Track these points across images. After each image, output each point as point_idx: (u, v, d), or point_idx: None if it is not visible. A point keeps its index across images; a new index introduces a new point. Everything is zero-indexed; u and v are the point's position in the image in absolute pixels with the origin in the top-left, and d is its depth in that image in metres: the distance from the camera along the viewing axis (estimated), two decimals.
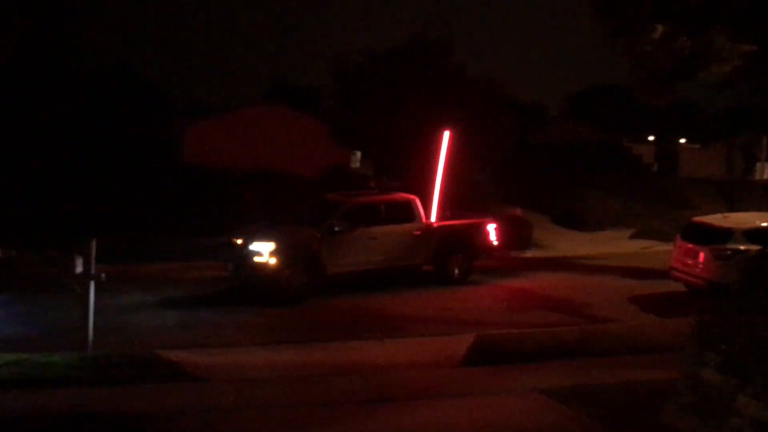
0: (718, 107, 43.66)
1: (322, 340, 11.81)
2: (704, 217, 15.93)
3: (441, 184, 17.12)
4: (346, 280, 15.22)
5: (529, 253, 21.02)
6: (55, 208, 21.72)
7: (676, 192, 30.35)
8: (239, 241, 15.12)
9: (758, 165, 41.50)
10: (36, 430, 7.95)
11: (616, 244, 22.76)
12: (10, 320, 13.14)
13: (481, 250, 17.02)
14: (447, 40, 22.73)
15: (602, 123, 45.21)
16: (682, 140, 48.56)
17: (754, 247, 12.79)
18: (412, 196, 16.51)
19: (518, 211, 23.36)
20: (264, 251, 14.53)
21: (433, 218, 16.69)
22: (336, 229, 15.13)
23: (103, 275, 10.69)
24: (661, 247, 20.27)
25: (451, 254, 16.43)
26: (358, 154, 32.53)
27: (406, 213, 16.15)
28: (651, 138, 48.24)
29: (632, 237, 23.83)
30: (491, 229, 16.99)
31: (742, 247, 13.70)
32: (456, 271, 16.47)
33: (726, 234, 14.11)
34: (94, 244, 10.57)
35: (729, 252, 13.74)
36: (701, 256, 14.19)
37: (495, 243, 17.09)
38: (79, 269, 10.57)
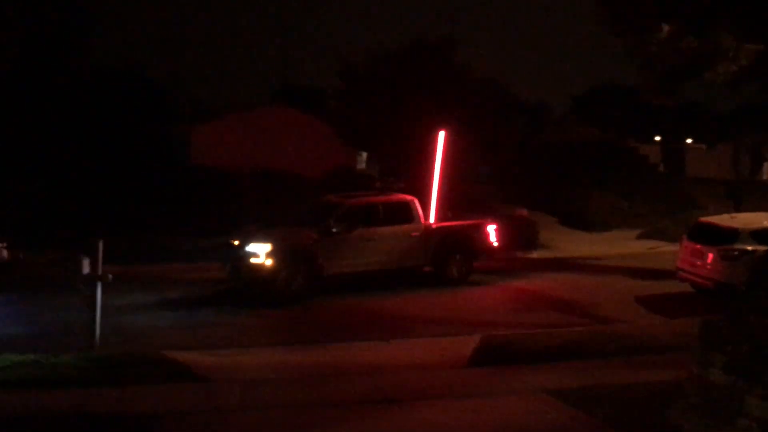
0: (724, 107, 43.57)
1: (326, 341, 11.82)
2: (711, 217, 15.88)
3: (439, 185, 17.03)
4: (344, 282, 15.19)
5: (535, 254, 20.98)
6: (63, 209, 21.80)
7: (683, 192, 30.25)
8: (236, 243, 15.14)
9: (765, 165, 41.36)
10: (43, 430, 7.99)
11: (622, 245, 22.69)
12: (17, 320, 13.20)
13: (481, 251, 16.90)
14: (451, 40, 22.74)
15: (608, 123, 45.12)
16: (689, 140, 48.42)
17: (762, 248, 12.78)
18: (410, 197, 16.44)
19: (524, 212, 23.32)
20: (260, 252, 14.54)
21: (432, 219, 16.61)
22: (333, 230, 15.10)
23: (110, 276, 10.74)
24: (668, 247, 20.20)
25: (450, 255, 16.33)
26: (364, 154, 32.58)
27: (405, 214, 16.08)
28: (657, 138, 48.11)
29: (638, 237, 23.76)
30: (491, 230, 16.88)
31: (749, 248, 13.66)
32: (455, 272, 16.37)
33: (733, 234, 14.06)
34: (101, 245, 10.61)
35: (736, 252, 13.70)
36: (708, 256, 14.14)
37: (495, 244, 16.97)
38: (86, 270, 10.61)
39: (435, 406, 8.59)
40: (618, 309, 14.04)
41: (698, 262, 14.39)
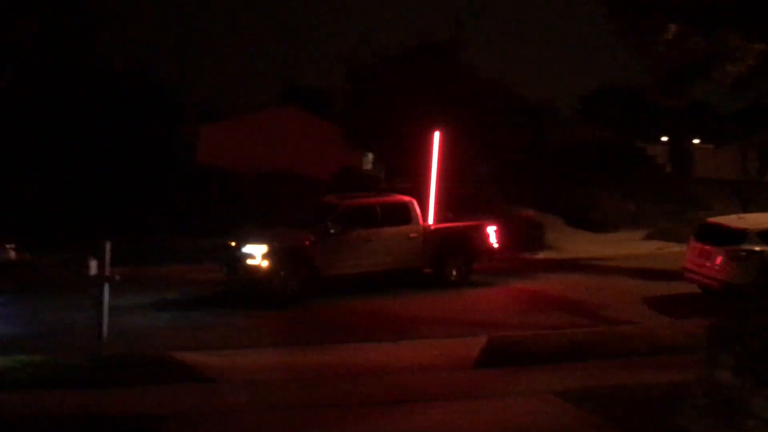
0: (732, 107, 43.37)
1: (331, 342, 11.83)
2: (719, 217, 15.82)
3: (436, 186, 16.89)
4: (342, 283, 15.12)
5: (541, 255, 20.95)
6: (69, 210, 21.88)
7: (690, 193, 30.16)
8: (233, 244, 15.11)
9: None
10: (49, 431, 8.01)
11: (629, 246, 22.64)
12: (24, 321, 13.26)
13: (481, 253, 16.72)
14: (458, 40, 22.70)
15: (615, 124, 45.00)
16: (696, 141, 48.25)
17: None
18: (408, 198, 16.31)
19: (530, 213, 23.29)
20: (256, 254, 14.51)
21: (430, 220, 16.47)
22: (330, 231, 15.03)
23: (117, 277, 10.76)
24: (675, 248, 20.13)
25: (449, 257, 16.18)
26: (370, 155, 32.55)
27: (403, 215, 15.96)
28: (664, 138, 47.94)
29: (646, 238, 23.70)
30: (491, 231, 16.71)
31: (757, 248, 13.61)
32: (454, 273, 16.21)
33: (741, 235, 14.00)
34: (108, 246, 10.64)
35: (744, 253, 13.65)
36: (716, 257, 14.09)
37: (495, 245, 16.80)
38: (93, 271, 10.64)
39: (441, 407, 8.58)
40: (625, 310, 14.00)
41: (705, 263, 14.34)
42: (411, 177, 21.88)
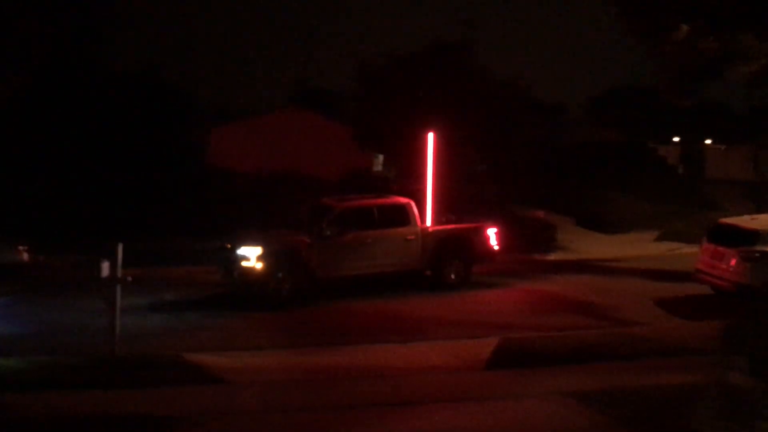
0: (744, 107, 43.11)
1: (336, 343, 11.81)
2: (731, 218, 15.72)
3: (434, 187, 16.70)
4: (340, 285, 15.07)
5: (552, 256, 20.89)
6: (81, 212, 21.99)
7: (702, 193, 30.01)
8: (229, 246, 15.10)
9: None
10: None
11: (641, 247, 22.53)
12: (36, 322, 13.34)
13: (480, 255, 16.48)
14: (470, 42, 22.68)
15: (626, 124, 44.86)
16: (708, 141, 48.01)
17: None
18: (406, 200, 16.16)
19: (541, 213, 23.22)
20: (251, 256, 14.50)
21: (428, 222, 16.31)
22: (325, 233, 14.97)
23: (129, 278, 10.82)
24: (687, 249, 20.03)
25: (448, 259, 16.00)
26: (381, 157, 32.56)
27: (401, 217, 15.81)
28: (676, 139, 47.75)
29: (657, 239, 23.58)
30: (491, 233, 16.49)
31: None
32: (453, 276, 16.03)
33: (754, 236, 13.91)
34: (120, 248, 10.70)
35: (757, 254, 13.55)
36: (728, 258, 14.00)
37: (496, 248, 16.58)
38: (105, 273, 10.70)
39: (453, 409, 8.57)
40: (637, 311, 13.93)
41: (718, 264, 14.26)
42: (422, 178, 21.87)
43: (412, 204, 16.07)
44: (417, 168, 18.83)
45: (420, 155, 17.73)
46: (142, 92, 26.83)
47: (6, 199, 21.76)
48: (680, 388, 8.55)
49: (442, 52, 22.33)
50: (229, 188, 24.61)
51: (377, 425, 8.18)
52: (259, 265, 14.45)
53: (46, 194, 22.47)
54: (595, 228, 25.10)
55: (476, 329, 12.59)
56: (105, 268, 10.67)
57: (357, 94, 24.60)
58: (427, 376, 10.06)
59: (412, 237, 15.77)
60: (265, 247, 14.60)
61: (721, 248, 14.27)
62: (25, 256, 18.18)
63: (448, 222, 16.77)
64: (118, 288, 10.75)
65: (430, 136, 17.31)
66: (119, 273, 10.71)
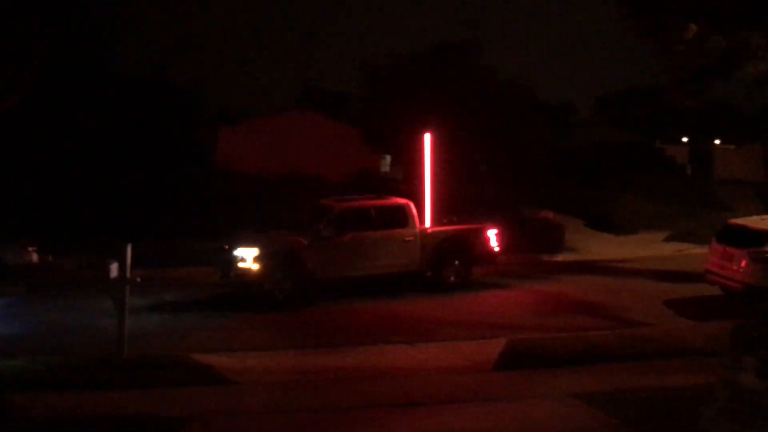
0: (753, 107, 42.92)
1: (345, 344, 11.78)
2: (740, 219, 15.65)
3: (431, 188, 16.58)
4: (338, 287, 15.03)
5: (560, 257, 20.84)
6: (90, 213, 22.08)
7: (711, 194, 29.89)
8: (226, 247, 15.10)
9: None
10: None
11: (649, 247, 22.46)
12: (45, 323, 13.41)
13: (480, 257, 16.37)
14: (476, 42, 22.68)
15: (634, 124, 44.77)
16: (717, 141, 47.83)
17: None
18: (405, 201, 16.10)
19: (550, 214, 23.17)
20: (247, 256, 14.51)
21: (427, 223, 16.23)
22: (323, 234, 14.93)
23: (138, 279, 10.86)
24: (696, 250, 19.96)
25: (447, 260, 15.90)
26: (388, 158, 32.60)
27: (399, 218, 15.73)
28: (684, 139, 47.59)
29: (666, 240, 23.50)
30: (492, 234, 16.37)
31: None
32: (452, 277, 15.91)
33: (763, 236, 13.84)
34: (129, 249, 10.73)
35: (767, 255, 13.49)
36: (738, 259, 13.94)
37: (496, 249, 16.47)
38: (114, 274, 10.74)
39: (461, 410, 8.56)
40: (646, 312, 13.87)
41: (728, 265, 14.19)
42: (420, 179, 21.88)
43: (411, 205, 16.00)
44: (423, 168, 18.81)
45: (423, 155, 17.68)
46: (148, 94, 26.95)
47: (14, 200, 21.88)
48: (688, 390, 8.52)
49: (446, 52, 22.33)
50: (236, 190, 24.66)
51: (384, 426, 8.17)
52: (255, 266, 14.45)
53: (54, 195, 22.57)
54: (603, 229, 25.03)
55: (477, 330, 12.53)
56: (114, 269, 10.71)
57: (363, 95, 24.64)
58: (434, 377, 10.04)
59: (411, 238, 15.69)
60: (261, 248, 14.60)
61: (730, 249, 14.21)
62: (34, 256, 18.28)
63: (449, 223, 16.70)
64: (127, 288, 10.78)
65: (427, 137, 17.20)
66: (128, 274, 10.75)
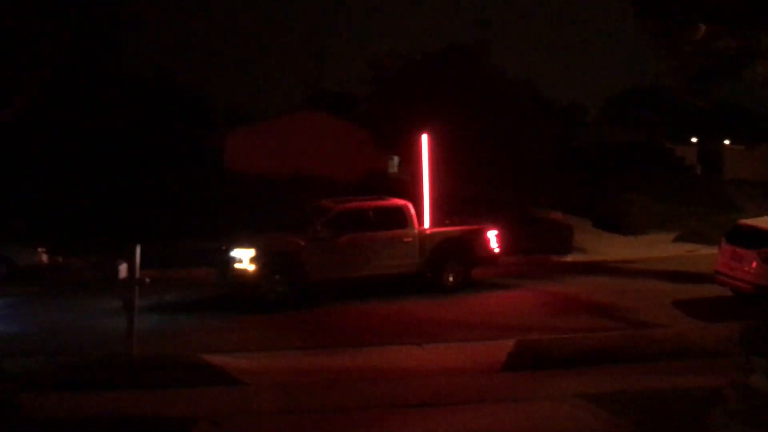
0: (763, 107, 42.70)
1: (355, 345, 11.79)
2: (750, 219, 15.59)
3: (429, 189, 16.48)
4: (335, 288, 15.00)
5: (569, 257, 20.79)
6: (100, 215, 22.20)
7: (721, 194, 29.75)
8: (223, 248, 15.12)
9: None
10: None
11: (659, 248, 22.38)
12: (55, 323, 13.48)
13: (480, 258, 16.27)
14: (485, 43, 22.68)
15: (643, 125, 44.60)
16: (726, 141, 47.60)
17: None
18: (404, 202, 16.03)
19: (558, 215, 23.13)
20: (243, 257, 14.52)
21: (427, 224, 16.14)
22: (320, 235, 14.90)
23: (147, 280, 10.89)
24: (706, 250, 19.87)
25: (446, 261, 15.79)
26: (396, 158, 32.63)
27: (398, 219, 15.67)
28: (694, 139, 47.37)
29: (676, 240, 23.42)
30: (492, 236, 16.29)
31: None
32: (451, 279, 15.82)
33: None
34: (138, 249, 10.77)
35: None
36: (748, 259, 13.88)
37: (496, 250, 16.38)
38: (123, 275, 10.78)
39: (470, 411, 8.55)
40: (655, 313, 13.82)
41: (737, 266, 14.14)
42: (438, 180, 21.86)
43: (410, 206, 15.94)
44: (431, 169, 18.81)
45: (434, 156, 17.66)
46: (157, 96, 27.06)
47: (24, 202, 22.03)
48: (698, 391, 8.48)
49: (455, 53, 22.35)
50: (242, 191, 24.73)
51: (395, 427, 8.18)
52: (251, 267, 14.46)
53: (64, 197, 22.70)
54: (612, 229, 24.97)
55: (479, 331, 12.51)
56: (123, 269, 10.75)
57: (371, 96, 24.69)
58: (444, 378, 10.04)
59: (410, 239, 15.62)
60: (258, 249, 14.60)
61: (740, 250, 14.15)
62: (44, 257, 18.39)
63: (451, 224, 16.63)
64: (136, 289, 10.83)
65: (424, 138, 17.15)
66: (137, 274, 10.79)
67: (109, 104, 24.81)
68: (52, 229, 20.51)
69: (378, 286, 15.28)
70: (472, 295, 15.50)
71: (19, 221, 20.56)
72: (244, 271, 14.50)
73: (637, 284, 16.85)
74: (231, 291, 15.11)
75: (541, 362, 10.47)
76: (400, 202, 16.10)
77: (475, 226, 16.44)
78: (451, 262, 15.90)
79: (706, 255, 18.71)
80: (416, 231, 15.75)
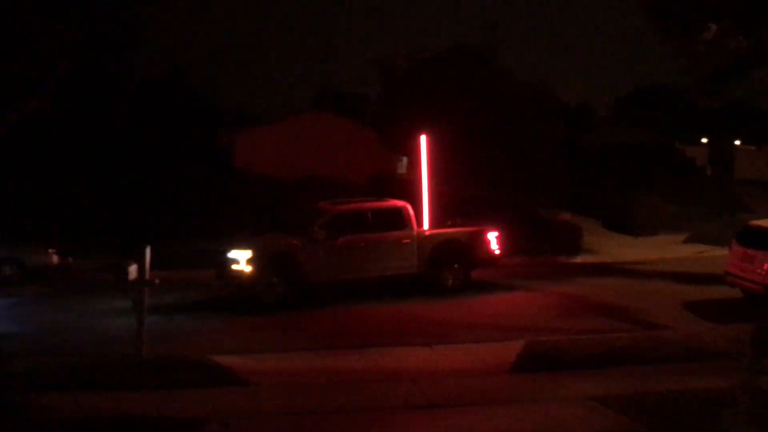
0: None
1: (362, 346, 11.76)
2: (761, 220, 15.49)
3: (429, 190, 16.48)
4: (334, 290, 14.99)
5: (578, 259, 20.74)
6: (110, 216, 22.29)
7: (731, 195, 29.64)
8: (222, 249, 15.15)
9: None
10: None
11: (669, 249, 22.30)
12: (64, 323, 13.55)
13: (480, 260, 16.16)
14: (493, 44, 22.66)
15: (653, 125, 44.46)
16: (737, 141, 47.36)
17: None
18: (402, 203, 15.96)
19: (567, 216, 23.09)
20: (240, 259, 14.52)
21: (426, 225, 16.16)
22: (318, 237, 14.85)
23: (157, 281, 10.92)
24: (716, 251, 19.79)
25: (445, 263, 15.72)
26: (405, 159, 32.62)
27: (396, 220, 15.60)
28: (704, 140, 47.16)
29: (686, 241, 23.33)
30: (492, 237, 16.19)
31: None
32: (450, 280, 15.75)
33: None
34: (148, 250, 10.80)
35: None
36: (759, 260, 13.80)
37: (497, 252, 16.28)
38: (133, 276, 10.81)
39: (479, 412, 8.53)
40: (665, 315, 13.75)
41: (748, 267, 14.05)
42: (447, 180, 21.86)
43: (409, 207, 15.88)
44: (441, 170, 18.81)
45: (438, 157, 17.65)
46: (168, 98, 27.16)
47: (34, 203, 22.14)
48: (708, 393, 8.43)
49: (464, 53, 22.33)
50: (251, 192, 24.78)
51: (401, 427, 8.17)
52: (248, 268, 14.46)
53: (74, 198, 22.81)
54: (621, 230, 24.90)
55: (482, 332, 12.47)
56: (132, 270, 10.78)
57: (380, 97, 24.70)
58: (453, 379, 10.01)
59: (408, 240, 15.54)
60: (255, 250, 14.61)
61: (750, 251, 14.07)
62: (55, 258, 18.50)
63: (453, 225, 16.56)
64: (146, 290, 10.86)
65: (423, 139, 17.13)
66: (147, 275, 10.82)
67: (119, 105, 24.93)
68: (61, 229, 20.61)
69: (377, 287, 15.25)
70: (473, 296, 15.45)
71: (28, 222, 20.69)
72: (241, 273, 14.52)
73: (646, 286, 16.78)
74: (230, 292, 15.13)
75: (551, 363, 10.43)
76: (399, 203, 16.03)
77: (475, 228, 16.33)
78: (451, 263, 15.81)
79: (716, 256, 18.64)
80: (415, 232, 15.69)
